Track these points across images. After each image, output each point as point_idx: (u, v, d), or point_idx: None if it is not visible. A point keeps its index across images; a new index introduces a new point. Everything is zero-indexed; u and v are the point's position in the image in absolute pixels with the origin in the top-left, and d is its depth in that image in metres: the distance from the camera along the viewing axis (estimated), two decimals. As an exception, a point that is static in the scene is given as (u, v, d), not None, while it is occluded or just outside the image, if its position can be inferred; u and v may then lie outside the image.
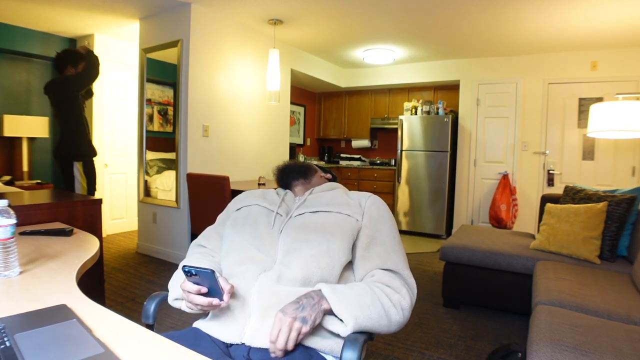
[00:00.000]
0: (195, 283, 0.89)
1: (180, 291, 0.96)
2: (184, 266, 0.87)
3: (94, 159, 3.17)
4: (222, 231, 1.20)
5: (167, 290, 1.06)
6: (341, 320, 0.89)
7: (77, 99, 3.03)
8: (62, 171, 3.06)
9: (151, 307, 1.06)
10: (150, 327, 1.04)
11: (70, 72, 3.04)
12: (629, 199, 2.36)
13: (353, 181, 5.86)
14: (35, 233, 1.46)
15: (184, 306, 1.00)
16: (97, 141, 4.25)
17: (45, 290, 0.90)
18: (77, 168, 3.01)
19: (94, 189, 3.14)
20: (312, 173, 1.30)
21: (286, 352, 0.84)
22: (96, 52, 4.12)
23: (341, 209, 1.11)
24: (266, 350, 0.87)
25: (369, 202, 1.15)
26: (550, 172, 4.54)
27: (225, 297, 0.87)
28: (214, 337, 0.95)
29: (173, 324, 2.28)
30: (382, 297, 0.95)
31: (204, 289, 0.88)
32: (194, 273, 0.86)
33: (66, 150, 3.01)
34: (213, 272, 0.85)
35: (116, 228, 4.58)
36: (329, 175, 1.38)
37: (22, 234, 1.43)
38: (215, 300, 0.88)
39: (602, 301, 1.71)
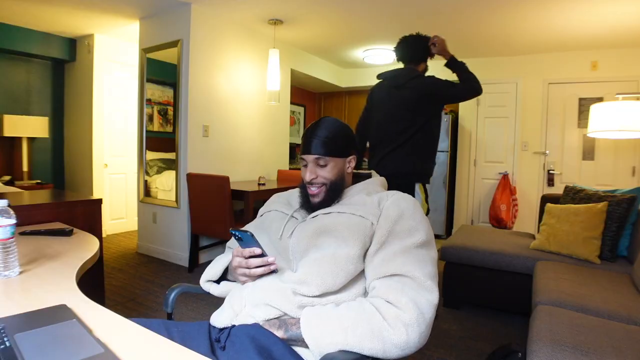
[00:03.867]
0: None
1: (211, 273, 1.09)
2: (231, 229, 0.96)
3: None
4: None
5: (172, 287, 1.16)
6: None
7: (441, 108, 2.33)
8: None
9: (171, 296, 1.14)
10: (169, 315, 1.13)
11: (421, 68, 2.30)
12: (629, 199, 2.35)
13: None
14: (35, 233, 1.46)
15: (212, 288, 1.09)
16: (97, 141, 4.27)
17: (45, 290, 0.91)
18: (419, 190, 2.32)
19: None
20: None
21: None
22: (96, 52, 4.16)
23: (355, 210, 1.00)
24: (246, 325, 0.92)
25: (390, 201, 1.00)
26: (550, 172, 4.54)
27: (271, 258, 0.96)
28: (214, 325, 0.99)
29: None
30: (372, 316, 0.83)
31: (258, 250, 0.95)
32: (239, 235, 0.96)
33: (408, 169, 2.28)
34: (252, 234, 0.94)
35: (116, 228, 4.58)
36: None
37: (22, 234, 1.43)
38: (270, 257, 0.96)
39: (603, 301, 1.71)
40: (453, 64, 2.21)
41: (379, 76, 2.40)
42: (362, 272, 0.95)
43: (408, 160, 2.26)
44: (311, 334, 0.84)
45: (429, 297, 0.87)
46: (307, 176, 1.08)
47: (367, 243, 0.94)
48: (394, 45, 2.38)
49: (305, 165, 1.10)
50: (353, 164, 1.13)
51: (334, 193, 1.08)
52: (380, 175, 1.25)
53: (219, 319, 0.98)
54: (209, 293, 1.11)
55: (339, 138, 1.07)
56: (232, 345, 0.88)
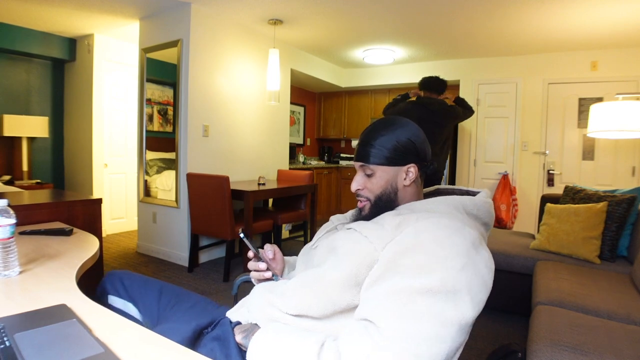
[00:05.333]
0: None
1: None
2: (240, 231, 1.03)
3: None
4: None
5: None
6: None
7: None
8: None
9: (236, 282, 1.27)
10: (235, 297, 1.24)
11: (444, 98, 3.30)
12: (629, 199, 2.36)
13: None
14: (35, 233, 1.46)
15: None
16: (97, 141, 4.27)
17: (45, 290, 0.90)
18: None
19: None
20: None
21: None
22: (96, 52, 4.17)
23: (366, 229, 0.83)
24: (229, 321, 0.95)
25: (412, 227, 0.77)
26: (550, 172, 4.54)
27: (262, 264, 0.97)
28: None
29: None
30: (307, 357, 0.69)
31: (251, 254, 0.98)
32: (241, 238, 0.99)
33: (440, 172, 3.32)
34: (243, 238, 0.96)
35: (116, 228, 4.58)
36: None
37: (22, 233, 1.43)
38: (261, 264, 0.97)
39: (602, 301, 1.71)
40: (459, 100, 3.42)
41: (420, 99, 3.22)
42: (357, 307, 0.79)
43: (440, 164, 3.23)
44: (251, 348, 0.76)
45: (395, 351, 0.63)
46: (352, 186, 0.96)
47: (361, 271, 0.76)
48: (421, 81, 3.30)
49: None
50: (412, 175, 0.92)
51: (379, 209, 0.92)
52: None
53: (229, 311, 1.01)
54: None
55: (389, 143, 0.90)
56: (210, 333, 0.92)
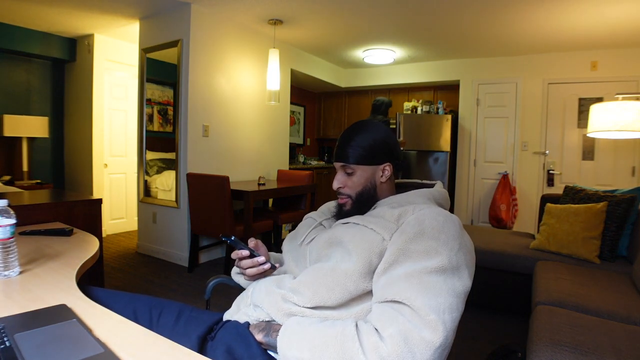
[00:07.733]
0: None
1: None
2: (221, 235, 0.99)
3: None
4: None
5: (205, 279, 1.24)
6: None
7: None
8: None
9: (209, 284, 1.23)
10: (207, 302, 1.22)
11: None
12: (628, 199, 2.36)
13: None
14: (35, 233, 1.46)
15: (241, 280, 1.12)
16: (97, 141, 4.27)
17: (45, 290, 0.90)
18: None
19: None
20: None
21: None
22: (96, 52, 4.17)
23: (370, 222, 0.90)
24: (237, 322, 0.94)
25: (413, 216, 0.87)
26: (550, 172, 4.54)
27: (261, 258, 0.97)
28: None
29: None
30: (349, 340, 0.73)
31: (246, 252, 0.98)
32: (226, 241, 0.99)
33: None
34: (234, 238, 0.95)
35: (116, 228, 4.58)
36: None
37: (22, 233, 1.43)
38: (260, 258, 0.97)
39: (602, 301, 1.71)
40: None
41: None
42: (371, 292, 0.86)
43: None
44: (282, 344, 0.80)
45: (426, 334, 0.70)
46: (334, 184, 1.05)
47: (373, 260, 0.84)
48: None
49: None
50: (388, 172, 1.02)
51: (360, 205, 1.01)
52: None
53: (227, 313, 1.01)
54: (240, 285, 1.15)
55: (367, 144, 0.99)
56: (217, 338, 0.91)
